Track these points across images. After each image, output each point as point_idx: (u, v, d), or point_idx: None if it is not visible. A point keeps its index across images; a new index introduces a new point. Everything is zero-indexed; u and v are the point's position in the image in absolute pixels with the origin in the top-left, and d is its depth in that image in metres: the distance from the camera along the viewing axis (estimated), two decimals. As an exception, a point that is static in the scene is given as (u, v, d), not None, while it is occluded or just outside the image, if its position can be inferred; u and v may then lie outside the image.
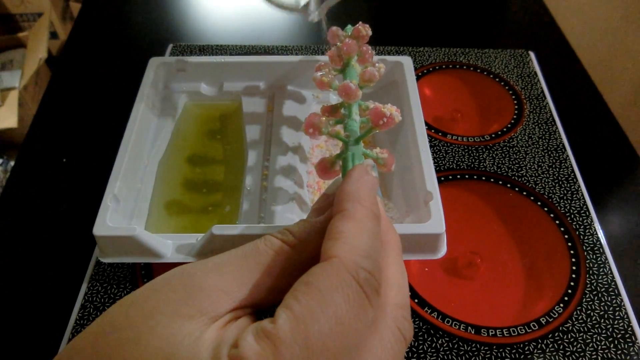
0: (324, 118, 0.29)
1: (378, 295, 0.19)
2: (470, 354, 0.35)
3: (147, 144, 0.42)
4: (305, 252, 0.22)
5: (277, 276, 0.21)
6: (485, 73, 0.56)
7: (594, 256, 0.40)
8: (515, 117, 0.51)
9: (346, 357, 0.18)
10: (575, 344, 0.35)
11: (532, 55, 0.58)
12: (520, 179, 0.45)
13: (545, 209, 0.43)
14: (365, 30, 0.35)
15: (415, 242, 0.34)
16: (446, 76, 0.56)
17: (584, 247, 0.41)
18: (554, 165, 0.46)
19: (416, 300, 0.37)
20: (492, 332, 0.36)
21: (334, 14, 0.45)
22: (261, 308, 0.22)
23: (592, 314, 0.37)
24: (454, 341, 0.36)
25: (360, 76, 0.33)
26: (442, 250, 0.35)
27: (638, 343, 0.35)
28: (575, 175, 0.46)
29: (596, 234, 0.42)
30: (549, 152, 0.48)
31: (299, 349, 0.17)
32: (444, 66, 0.56)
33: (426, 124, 0.44)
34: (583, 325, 0.36)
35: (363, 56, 0.35)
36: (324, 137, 0.44)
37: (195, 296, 0.19)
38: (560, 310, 0.37)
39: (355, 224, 0.21)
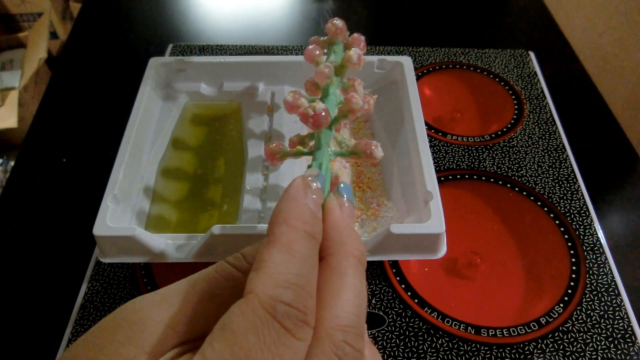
0: (276, 145, 0.30)
1: (307, 324, 0.18)
2: (470, 354, 0.35)
3: (147, 144, 0.42)
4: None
5: (227, 304, 0.19)
6: (485, 73, 0.56)
7: (594, 256, 0.40)
8: (515, 117, 0.51)
9: None
10: (575, 344, 0.35)
11: (532, 55, 0.58)
12: (520, 179, 0.45)
13: (545, 209, 0.43)
14: (334, 25, 0.33)
15: (415, 242, 0.34)
16: (446, 76, 0.56)
17: (584, 247, 0.41)
18: (554, 165, 0.46)
19: (416, 300, 0.37)
20: (492, 332, 0.36)
21: (334, 14, 0.45)
22: None
23: (592, 314, 0.37)
24: (454, 341, 0.36)
25: (315, 78, 0.31)
26: (442, 250, 0.35)
27: (638, 343, 0.35)
28: (575, 175, 0.46)
29: (596, 234, 0.42)
30: (549, 152, 0.48)
31: None
32: (444, 66, 0.56)
33: (426, 124, 0.44)
34: (583, 325, 0.36)
35: (351, 47, 0.33)
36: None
37: (138, 334, 0.19)
38: (560, 310, 0.37)
39: (280, 250, 0.19)
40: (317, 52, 0.33)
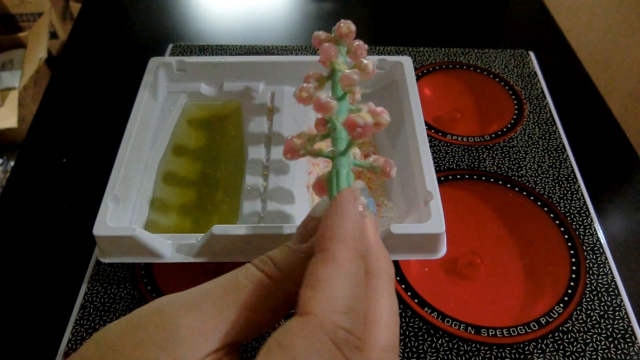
0: (300, 140, 0.28)
1: (360, 350, 0.18)
2: (470, 354, 0.35)
3: (147, 144, 0.42)
4: (287, 285, 0.21)
5: (258, 312, 0.20)
6: (485, 73, 0.56)
7: (594, 256, 0.40)
8: (515, 117, 0.51)
9: None
10: (575, 344, 0.35)
11: (532, 55, 0.58)
12: (520, 179, 0.45)
13: (545, 209, 0.43)
14: (348, 27, 0.32)
15: (415, 242, 0.34)
16: (446, 76, 0.56)
17: (584, 247, 0.41)
18: (554, 165, 0.46)
19: (416, 300, 0.37)
20: (492, 332, 0.36)
21: (333, 14, 0.45)
22: (240, 344, 0.21)
23: (592, 314, 0.37)
24: (454, 341, 0.36)
25: (340, 82, 0.30)
26: (442, 250, 0.35)
27: (638, 343, 0.35)
28: (575, 175, 0.46)
29: (596, 234, 0.42)
30: (549, 152, 0.48)
31: None
32: (444, 66, 0.56)
33: (426, 124, 0.44)
34: (583, 325, 0.36)
35: (354, 53, 0.33)
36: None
37: (170, 341, 0.18)
38: (560, 310, 0.37)
39: (336, 270, 0.19)
40: (334, 51, 0.31)
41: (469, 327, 0.36)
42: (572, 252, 0.40)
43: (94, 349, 0.19)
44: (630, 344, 0.35)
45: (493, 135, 0.49)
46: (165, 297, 0.20)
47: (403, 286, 0.38)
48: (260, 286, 0.20)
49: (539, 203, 0.43)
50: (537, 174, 0.46)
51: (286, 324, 0.18)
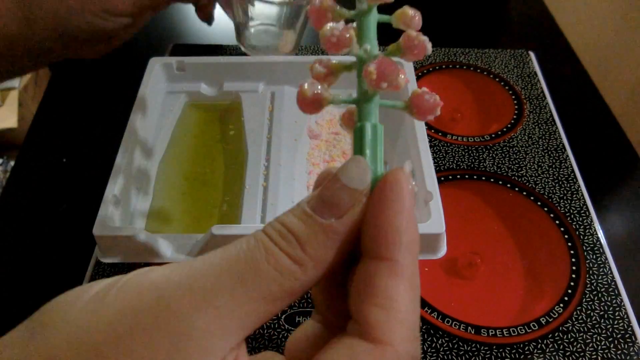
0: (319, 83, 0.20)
1: None
2: (470, 354, 0.35)
3: (147, 144, 0.42)
4: (318, 272, 0.17)
5: (281, 302, 0.17)
6: (485, 73, 0.56)
7: (594, 256, 0.40)
8: (515, 117, 0.51)
9: None
10: (575, 344, 0.35)
11: (532, 55, 0.58)
12: (520, 179, 0.45)
13: (545, 209, 0.43)
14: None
15: (415, 242, 0.34)
16: (446, 76, 0.56)
17: (584, 247, 0.41)
18: (554, 165, 0.46)
19: (416, 300, 0.37)
20: (492, 332, 0.36)
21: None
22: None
23: (592, 314, 0.37)
24: (454, 341, 0.36)
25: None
26: (442, 250, 0.35)
27: (638, 343, 0.35)
28: (575, 175, 0.46)
29: (596, 234, 0.42)
30: (549, 152, 0.48)
31: None
32: (444, 66, 0.56)
33: (426, 124, 0.44)
34: (583, 325, 0.36)
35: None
36: (324, 138, 0.45)
37: (181, 346, 0.15)
38: (560, 310, 0.37)
39: (407, 288, 0.16)
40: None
41: (469, 327, 0.36)
42: (572, 252, 0.40)
43: (69, 353, 0.15)
44: (630, 344, 0.35)
45: (493, 135, 0.49)
46: (161, 279, 0.16)
47: (403, 286, 0.38)
48: (287, 275, 0.16)
49: (539, 203, 0.43)
50: (537, 174, 0.46)
51: (352, 349, 0.16)
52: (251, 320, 0.16)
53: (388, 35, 0.22)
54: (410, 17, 0.20)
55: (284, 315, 0.37)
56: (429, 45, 0.20)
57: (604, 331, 0.36)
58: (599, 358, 0.35)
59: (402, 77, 0.19)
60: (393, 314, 0.16)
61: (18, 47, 0.37)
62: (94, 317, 0.16)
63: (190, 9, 0.68)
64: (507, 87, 0.54)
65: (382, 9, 0.20)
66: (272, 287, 0.16)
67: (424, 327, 0.36)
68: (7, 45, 0.36)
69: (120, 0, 0.37)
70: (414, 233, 0.17)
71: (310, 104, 0.19)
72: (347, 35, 0.19)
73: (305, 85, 0.19)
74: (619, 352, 0.35)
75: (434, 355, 0.35)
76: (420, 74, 0.55)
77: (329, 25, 0.19)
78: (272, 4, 0.48)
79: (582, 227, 0.42)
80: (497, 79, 0.55)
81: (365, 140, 0.18)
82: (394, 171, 0.17)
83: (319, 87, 0.20)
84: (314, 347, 0.18)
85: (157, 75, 0.45)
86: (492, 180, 0.45)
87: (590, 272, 0.39)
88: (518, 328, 0.36)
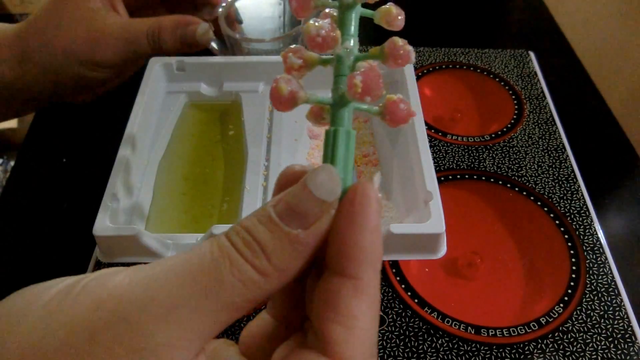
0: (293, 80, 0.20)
1: None
2: (470, 354, 0.35)
3: (147, 144, 0.42)
4: (281, 281, 0.17)
5: (243, 310, 0.16)
6: (485, 73, 0.56)
7: (594, 256, 0.40)
8: (515, 117, 0.51)
9: None
10: (575, 344, 0.35)
11: (532, 55, 0.58)
12: (520, 179, 0.45)
13: (545, 209, 0.43)
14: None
15: (415, 242, 0.34)
16: (446, 76, 0.56)
17: (584, 247, 0.41)
18: (554, 165, 0.46)
19: (416, 300, 0.37)
20: (492, 332, 0.36)
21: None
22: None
23: (592, 314, 0.37)
24: (454, 341, 0.36)
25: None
26: (442, 250, 0.35)
27: (638, 343, 0.35)
28: (575, 175, 0.46)
29: (596, 234, 0.42)
30: (549, 152, 0.48)
31: None
32: (444, 66, 0.56)
33: (426, 124, 0.44)
34: (583, 325, 0.36)
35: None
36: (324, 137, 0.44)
37: None
38: (560, 310, 0.37)
39: (370, 305, 0.16)
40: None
41: (469, 327, 0.36)
42: (572, 252, 0.40)
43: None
44: (630, 344, 0.35)
45: (493, 135, 0.49)
46: (120, 290, 0.15)
47: (403, 286, 0.38)
48: (251, 286, 0.16)
49: (539, 203, 0.43)
50: (537, 174, 0.46)
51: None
52: (212, 329, 0.16)
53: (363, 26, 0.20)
54: (394, 16, 0.20)
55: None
56: (413, 56, 0.19)
57: (604, 331, 0.36)
58: (599, 358, 0.35)
59: (385, 91, 0.18)
60: (355, 332, 0.16)
61: (12, 93, 0.40)
62: (50, 326, 0.15)
63: (190, 9, 0.68)
64: (507, 87, 0.54)
65: (366, 3, 0.19)
66: (236, 299, 0.16)
67: (424, 327, 0.36)
68: (2, 91, 0.40)
69: (108, 54, 0.40)
70: (379, 250, 0.17)
71: (285, 103, 0.19)
72: (333, 35, 0.18)
73: (281, 83, 0.19)
74: (619, 352, 0.35)
75: (434, 355, 0.35)
76: (420, 74, 0.55)
77: (316, 23, 0.18)
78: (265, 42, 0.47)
79: (582, 227, 0.42)
80: (497, 79, 0.55)
81: (338, 148, 0.18)
82: (363, 185, 0.17)
83: (295, 84, 0.19)
84: (270, 343, 0.19)
85: (157, 75, 0.45)
86: (492, 180, 0.45)
87: (590, 272, 0.39)
88: (518, 328, 0.36)
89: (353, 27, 0.19)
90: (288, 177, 0.18)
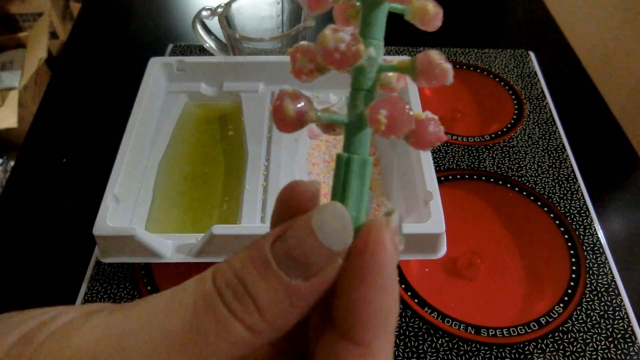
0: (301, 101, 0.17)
1: None
2: (470, 354, 0.35)
3: (147, 144, 0.42)
4: (272, 337, 0.14)
5: None
6: (485, 73, 0.56)
7: (594, 256, 0.40)
8: (515, 117, 0.51)
9: None
10: (575, 344, 0.35)
11: (532, 55, 0.58)
12: (520, 179, 0.45)
13: (545, 209, 0.43)
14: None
15: (415, 242, 0.34)
16: (446, 76, 0.56)
17: (584, 247, 0.41)
18: (554, 165, 0.46)
19: (416, 300, 0.37)
20: (492, 332, 0.36)
21: (331, 17, 0.45)
22: None
23: (592, 314, 0.37)
24: (454, 341, 0.36)
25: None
26: (442, 250, 0.35)
27: (638, 343, 0.35)
28: (575, 175, 0.46)
29: (596, 234, 0.42)
30: (549, 152, 0.48)
31: None
32: (444, 66, 0.56)
33: (426, 124, 0.44)
34: (583, 325, 0.36)
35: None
36: (324, 138, 0.45)
37: None
38: (560, 310, 0.37)
39: None
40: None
41: (469, 327, 0.36)
42: (572, 252, 0.40)
43: None
44: (630, 344, 0.35)
45: (493, 135, 0.49)
46: (85, 355, 0.13)
47: (403, 286, 0.38)
48: (240, 345, 0.14)
49: (539, 203, 0.43)
50: (537, 174, 0.46)
51: None
52: None
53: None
54: (432, 15, 0.16)
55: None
56: (451, 76, 0.15)
57: (604, 331, 0.36)
58: (599, 358, 0.35)
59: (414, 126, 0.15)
60: None
61: None
62: None
63: (190, 8, 0.68)
64: (507, 87, 0.54)
65: None
66: (220, 358, 0.14)
67: (424, 327, 0.36)
68: None
69: None
70: (394, 312, 0.14)
71: (290, 124, 0.16)
72: (355, 49, 0.14)
73: (286, 102, 0.15)
74: (619, 352, 0.35)
75: (434, 355, 0.35)
76: (420, 74, 0.55)
77: (334, 33, 0.14)
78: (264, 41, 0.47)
79: (582, 227, 0.42)
80: (497, 79, 0.55)
81: (351, 180, 0.15)
82: (378, 229, 0.14)
83: (304, 102, 0.16)
84: None
85: (157, 75, 0.45)
86: (492, 180, 0.45)
87: (590, 272, 0.39)
88: (518, 328, 0.36)
89: (379, 29, 0.15)
90: (292, 198, 0.16)
